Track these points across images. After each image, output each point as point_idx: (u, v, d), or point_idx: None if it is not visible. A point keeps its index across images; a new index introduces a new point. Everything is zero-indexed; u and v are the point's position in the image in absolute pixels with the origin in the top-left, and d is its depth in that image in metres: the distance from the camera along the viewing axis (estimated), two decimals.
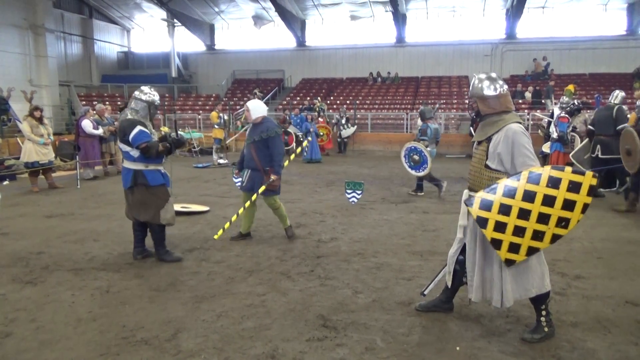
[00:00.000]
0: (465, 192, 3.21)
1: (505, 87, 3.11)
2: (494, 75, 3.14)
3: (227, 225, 5.52)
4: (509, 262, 2.91)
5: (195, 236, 5.65)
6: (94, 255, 4.91)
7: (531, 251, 2.88)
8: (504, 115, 3.04)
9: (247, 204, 5.37)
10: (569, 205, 2.77)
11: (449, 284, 3.42)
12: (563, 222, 2.80)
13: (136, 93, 4.69)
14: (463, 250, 3.26)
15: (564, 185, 2.75)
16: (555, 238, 2.85)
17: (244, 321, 3.38)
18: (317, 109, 16.96)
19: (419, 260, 4.73)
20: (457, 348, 3.00)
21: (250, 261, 4.73)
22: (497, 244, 2.87)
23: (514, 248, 2.86)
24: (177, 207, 7.03)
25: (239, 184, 5.76)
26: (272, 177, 5.16)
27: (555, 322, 3.19)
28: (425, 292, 3.58)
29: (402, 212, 7.01)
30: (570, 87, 11.82)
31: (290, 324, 3.33)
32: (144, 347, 3.02)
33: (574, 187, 2.75)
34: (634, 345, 3.04)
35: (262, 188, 5.23)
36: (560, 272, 4.32)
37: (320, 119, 16.19)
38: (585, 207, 2.77)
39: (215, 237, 5.49)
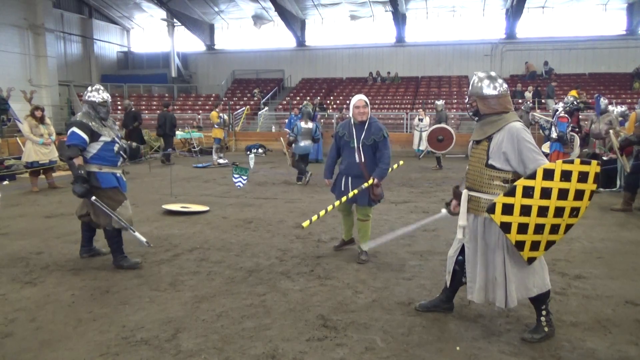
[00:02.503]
0: (465, 193, 3.18)
1: (505, 86, 3.08)
2: (493, 74, 3.10)
3: (314, 217, 4.54)
4: (531, 260, 2.96)
5: (195, 236, 5.65)
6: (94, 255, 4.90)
7: (549, 245, 2.94)
8: (504, 115, 3.02)
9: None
10: (579, 195, 2.85)
11: (448, 284, 3.42)
12: (575, 212, 2.88)
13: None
14: (462, 251, 3.25)
15: (574, 177, 2.82)
16: (568, 228, 2.92)
17: (244, 321, 3.38)
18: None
19: (418, 260, 4.73)
20: (457, 348, 2.99)
21: (250, 261, 4.73)
22: (520, 245, 2.90)
23: (534, 246, 2.91)
24: (177, 207, 7.05)
25: (238, 184, 5.73)
26: (375, 182, 4.64)
27: (555, 322, 3.19)
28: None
29: (402, 212, 7.01)
30: (573, 93, 11.73)
31: (290, 324, 3.33)
32: (144, 347, 3.02)
33: (583, 177, 2.82)
34: (634, 345, 3.04)
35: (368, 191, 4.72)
36: (560, 272, 4.32)
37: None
38: (592, 194, 2.86)
39: (304, 224, 4.44)
